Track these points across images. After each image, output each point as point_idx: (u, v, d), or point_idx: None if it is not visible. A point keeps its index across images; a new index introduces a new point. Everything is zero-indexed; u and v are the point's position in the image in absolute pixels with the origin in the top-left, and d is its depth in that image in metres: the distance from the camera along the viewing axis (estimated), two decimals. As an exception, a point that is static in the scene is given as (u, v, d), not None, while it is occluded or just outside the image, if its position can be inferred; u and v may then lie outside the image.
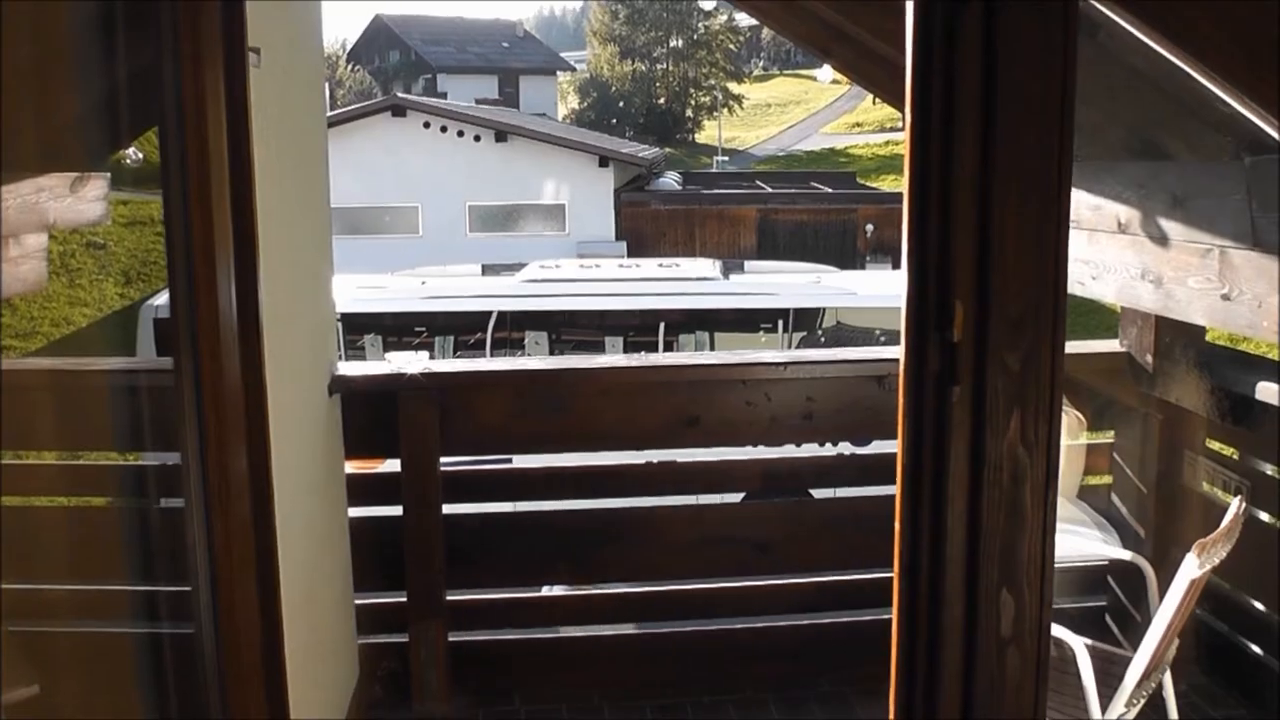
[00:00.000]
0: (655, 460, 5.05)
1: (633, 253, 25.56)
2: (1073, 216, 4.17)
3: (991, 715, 2.38)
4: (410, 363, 4.27)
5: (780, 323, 12.88)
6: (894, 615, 2.43)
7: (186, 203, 2.15)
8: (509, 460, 5.06)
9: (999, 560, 2.34)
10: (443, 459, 4.27)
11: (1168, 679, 3.42)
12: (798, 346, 12.49)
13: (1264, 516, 4.11)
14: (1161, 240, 3.74)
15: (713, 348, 12.81)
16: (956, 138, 2.24)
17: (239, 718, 2.19)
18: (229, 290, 2.26)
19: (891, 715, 2.45)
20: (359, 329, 12.80)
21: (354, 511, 4.30)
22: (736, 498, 5.02)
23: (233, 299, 2.28)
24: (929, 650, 2.37)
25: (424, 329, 13.02)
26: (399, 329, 12.92)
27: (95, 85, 2.80)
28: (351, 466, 4.38)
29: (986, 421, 2.30)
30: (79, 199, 3.20)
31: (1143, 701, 3.25)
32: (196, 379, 2.14)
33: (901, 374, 2.35)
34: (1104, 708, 3.15)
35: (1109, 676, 3.23)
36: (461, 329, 13.02)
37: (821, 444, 5.00)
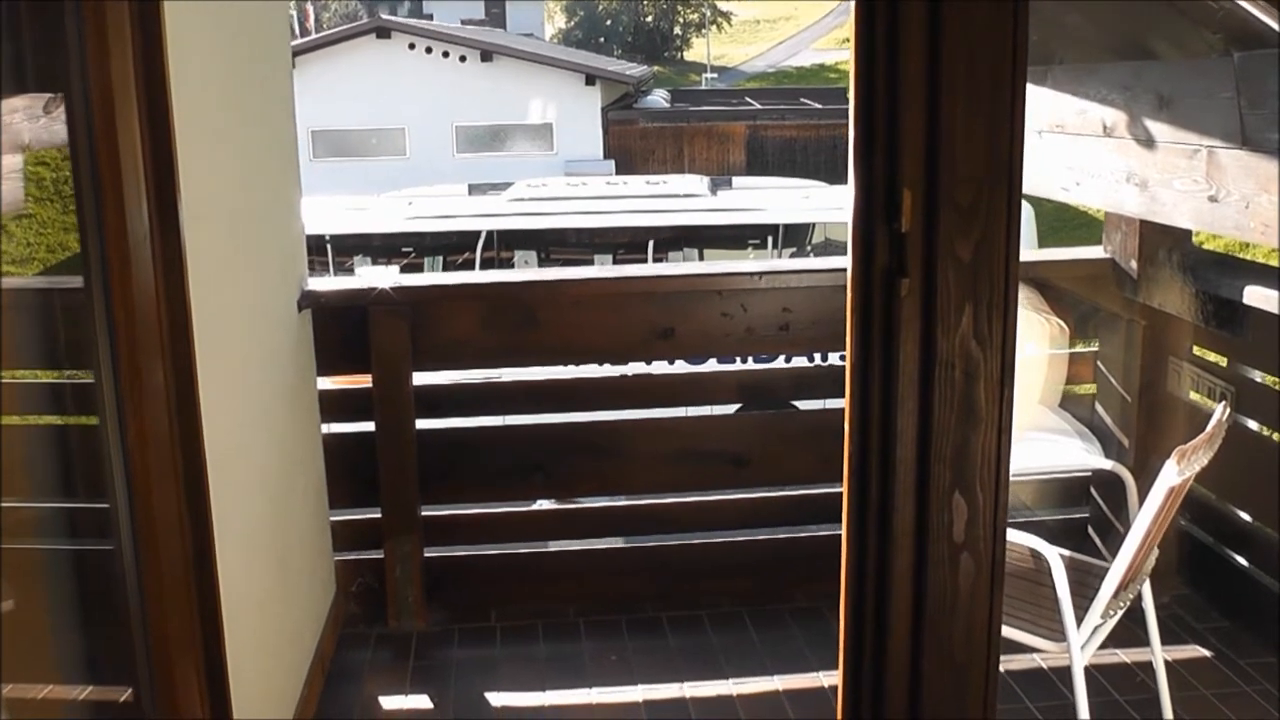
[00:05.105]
0: (630, 374, 5.00)
1: (621, 171, 25.37)
2: (1057, 121, 4.13)
3: (944, 622, 2.32)
4: (381, 277, 4.22)
5: (769, 239, 12.80)
6: (844, 521, 2.37)
7: (89, 106, 2.06)
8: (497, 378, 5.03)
9: (951, 462, 2.27)
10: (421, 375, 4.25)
11: (1147, 589, 3.37)
12: (787, 263, 12.41)
13: (1251, 424, 4.06)
14: (1148, 142, 3.65)
15: (702, 264, 12.75)
16: (903, 8, 2.12)
17: (162, 634, 2.15)
18: (139, 202, 2.17)
19: (843, 623, 2.40)
20: (348, 250, 12.74)
21: (329, 428, 4.28)
22: (711, 410, 4.96)
23: (144, 211, 2.18)
24: (879, 557, 2.31)
25: (411, 249, 12.96)
26: (388, 250, 12.86)
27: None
28: (333, 382, 4.35)
29: (937, 316, 2.21)
30: (53, 119, 3.11)
31: (1120, 612, 3.21)
32: (106, 292, 2.07)
33: (850, 268, 2.26)
34: (1081, 619, 3.10)
35: (1085, 588, 3.19)
36: (450, 249, 12.94)
37: (810, 359, 4.94)
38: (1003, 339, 2.21)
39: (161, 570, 2.15)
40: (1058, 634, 3.11)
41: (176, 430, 2.22)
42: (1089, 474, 4.53)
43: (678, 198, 13.33)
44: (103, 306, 2.08)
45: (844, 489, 2.35)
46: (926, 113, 2.14)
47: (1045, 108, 4.17)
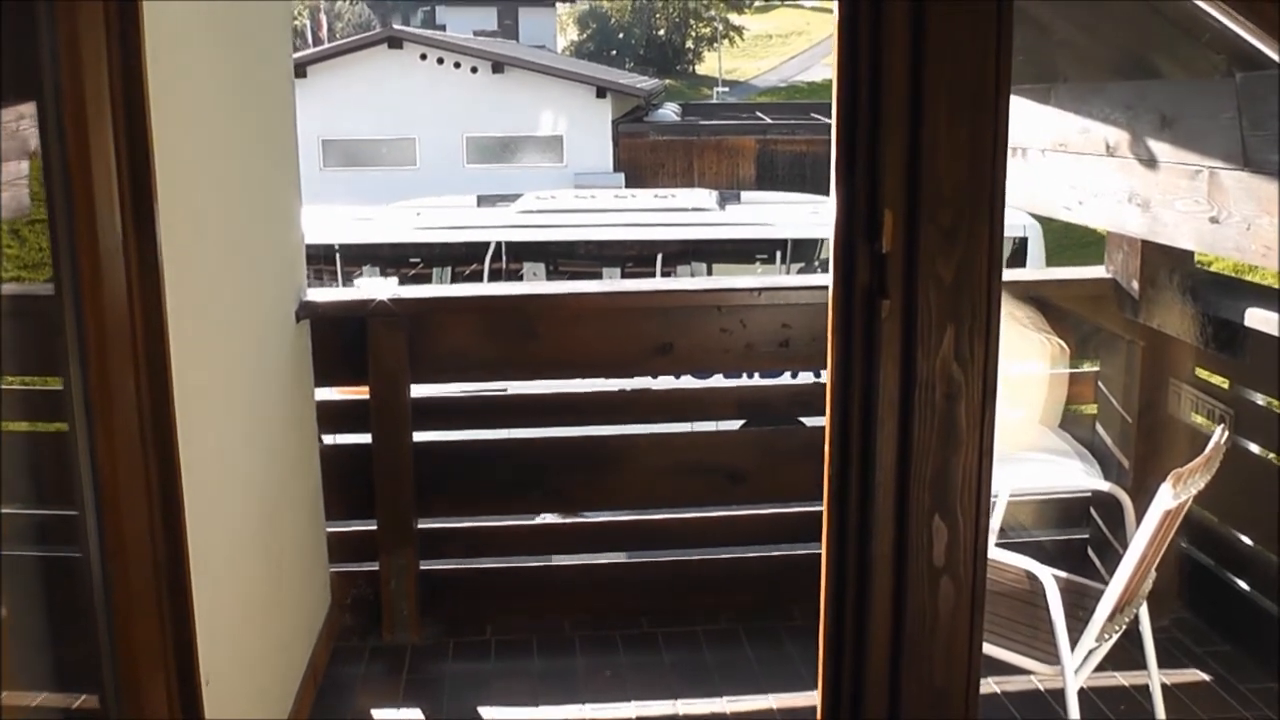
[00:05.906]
0: (629, 388, 4.98)
1: (630, 184, 25.37)
2: (1060, 140, 4.11)
3: (923, 646, 2.29)
4: (379, 289, 4.21)
5: (778, 254, 12.79)
6: (823, 543, 2.35)
7: (60, 110, 2.04)
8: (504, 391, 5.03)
9: (931, 485, 2.24)
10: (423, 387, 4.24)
11: (1144, 613, 3.34)
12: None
13: (1252, 447, 4.03)
14: (1150, 162, 3.63)
15: (710, 279, 12.74)
16: (885, 30, 2.10)
17: (129, 645, 2.13)
18: (112, 210, 2.15)
19: (821, 645, 2.37)
20: (356, 260, 12.75)
21: (328, 439, 4.29)
22: (709, 426, 4.94)
23: (117, 219, 2.16)
24: (858, 579, 2.28)
25: (419, 260, 12.97)
26: (396, 260, 12.88)
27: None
28: (336, 393, 4.34)
29: (918, 337, 2.19)
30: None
31: (1116, 636, 3.18)
32: (76, 300, 2.05)
33: (831, 287, 2.24)
34: (1076, 642, 3.07)
35: (1081, 610, 3.16)
36: (458, 260, 12.96)
37: (816, 374, 4.92)
38: (984, 361, 2.19)
39: (130, 581, 2.13)
40: (1052, 657, 3.08)
41: (150, 440, 2.20)
42: (1089, 495, 4.50)
43: (686, 211, 13.34)
44: (73, 315, 2.07)
45: (824, 510, 2.33)
46: (908, 133, 2.12)
47: (1048, 126, 4.14)
